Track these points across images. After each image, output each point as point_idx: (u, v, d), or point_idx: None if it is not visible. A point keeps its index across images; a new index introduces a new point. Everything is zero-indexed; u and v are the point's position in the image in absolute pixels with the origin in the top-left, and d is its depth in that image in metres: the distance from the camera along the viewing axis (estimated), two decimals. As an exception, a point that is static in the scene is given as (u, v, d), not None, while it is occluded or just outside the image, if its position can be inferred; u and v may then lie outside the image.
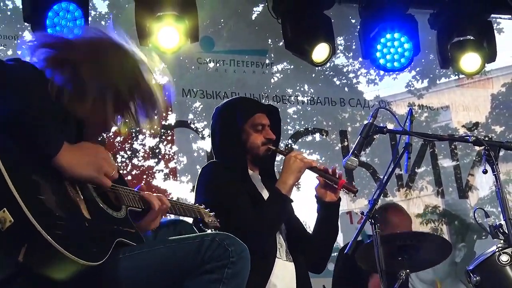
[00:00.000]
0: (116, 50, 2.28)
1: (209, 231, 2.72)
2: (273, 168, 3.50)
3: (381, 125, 3.24)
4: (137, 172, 6.41)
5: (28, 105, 1.91)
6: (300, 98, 7.13)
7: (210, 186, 3.21)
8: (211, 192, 3.17)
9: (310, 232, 3.44)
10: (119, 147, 6.36)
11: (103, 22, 7.17)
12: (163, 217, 2.50)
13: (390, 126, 3.64)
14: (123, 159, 6.35)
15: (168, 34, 5.38)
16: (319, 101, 7.03)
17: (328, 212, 3.32)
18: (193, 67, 6.66)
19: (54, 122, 1.99)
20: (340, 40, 7.78)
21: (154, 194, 2.43)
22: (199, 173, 3.35)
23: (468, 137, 3.15)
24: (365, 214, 3.12)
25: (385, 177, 3.28)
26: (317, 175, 3.26)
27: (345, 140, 7.14)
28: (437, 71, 8.01)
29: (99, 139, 2.34)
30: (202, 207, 2.80)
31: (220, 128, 3.37)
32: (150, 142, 6.49)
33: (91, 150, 2.09)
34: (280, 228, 3.22)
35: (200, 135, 6.75)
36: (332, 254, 5.34)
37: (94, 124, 2.26)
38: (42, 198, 1.86)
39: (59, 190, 1.96)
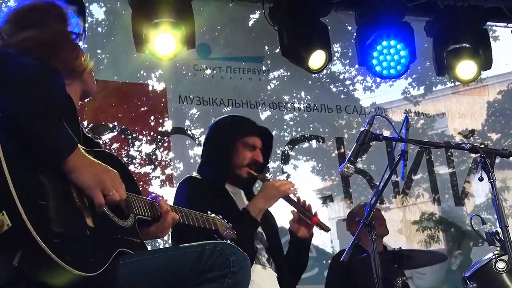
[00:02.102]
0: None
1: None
2: (251, 190, 3.50)
3: (377, 132, 3.24)
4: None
5: (39, 104, 1.88)
6: (296, 105, 7.14)
7: (185, 204, 3.20)
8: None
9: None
10: (115, 154, 6.34)
11: (99, 29, 7.19)
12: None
13: (387, 133, 3.64)
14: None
15: (165, 41, 5.38)
16: (315, 108, 7.04)
17: (298, 247, 3.39)
18: (189, 74, 6.66)
19: (64, 120, 1.98)
20: (336, 47, 7.81)
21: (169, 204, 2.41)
22: (177, 187, 3.36)
23: (464, 145, 3.15)
24: (361, 221, 3.12)
25: (382, 184, 3.28)
26: (292, 209, 3.31)
27: (342, 147, 7.15)
28: (433, 78, 8.04)
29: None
30: (219, 217, 2.77)
31: (212, 140, 3.44)
32: (147, 148, 6.48)
33: (100, 165, 2.04)
34: (250, 243, 3.20)
35: (197, 142, 6.75)
36: (327, 261, 5.35)
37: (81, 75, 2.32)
38: (43, 203, 1.83)
39: (63, 196, 1.94)
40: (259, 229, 3.30)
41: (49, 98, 1.95)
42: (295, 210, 3.31)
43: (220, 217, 2.78)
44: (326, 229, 3.24)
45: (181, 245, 2.17)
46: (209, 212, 2.75)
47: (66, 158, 1.91)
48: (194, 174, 3.41)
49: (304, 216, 3.27)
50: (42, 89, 1.95)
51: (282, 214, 3.48)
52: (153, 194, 2.43)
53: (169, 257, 2.11)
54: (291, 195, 3.29)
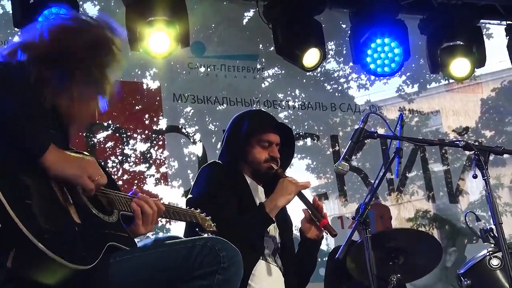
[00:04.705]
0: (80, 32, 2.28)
1: (205, 235, 2.71)
2: (272, 187, 3.41)
3: (372, 129, 3.25)
4: (128, 177, 6.39)
5: (16, 106, 1.90)
6: (291, 103, 7.14)
7: (204, 187, 3.25)
8: (203, 193, 3.20)
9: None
10: (109, 152, 6.34)
11: (93, 27, 7.15)
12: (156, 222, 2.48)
13: (381, 130, 3.65)
14: (114, 164, 6.33)
15: (159, 39, 5.38)
16: (310, 106, 7.05)
17: (308, 248, 3.37)
18: (184, 72, 6.65)
19: (41, 123, 1.99)
20: (330, 45, 7.80)
21: (150, 198, 2.41)
22: (199, 170, 3.39)
23: (458, 142, 3.16)
24: (356, 218, 3.13)
25: (376, 181, 3.28)
26: (304, 208, 3.29)
27: (336, 144, 7.15)
28: (427, 76, 8.04)
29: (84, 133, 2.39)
30: (198, 211, 2.78)
31: (228, 135, 3.43)
32: (141, 147, 6.47)
33: (78, 156, 2.09)
34: (259, 237, 3.21)
35: (191, 140, 6.74)
36: (323, 259, 5.36)
37: (80, 114, 2.28)
38: (30, 202, 1.84)
39: (47, 195, 1.95)
40: (273, 231, 3.30)
41: (27, 103, 1.98)
42: (307, 209, 3.27)
43: (199, 210, 2.79)
44: (332, 234, 3.18)
45: (172, 241, 2.17)
46: (183, 207, 2.78)
47: (41, 156, 1.92)
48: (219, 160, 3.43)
49: (314, 216, 3.23)
50: (23, 92, 1.99)
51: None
52: (133, 190, 2.44)
53: (159, 253, 2.11)
54: (306, 195, 3.29)
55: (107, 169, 2.52)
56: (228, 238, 2.26)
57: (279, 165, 3.36)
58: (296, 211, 3.50)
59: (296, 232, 3.59)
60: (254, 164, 3.33)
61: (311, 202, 3.27)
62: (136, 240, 2.33)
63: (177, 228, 6.21)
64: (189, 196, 3.29)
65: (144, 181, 6.47)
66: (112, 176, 2.49)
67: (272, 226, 3.27)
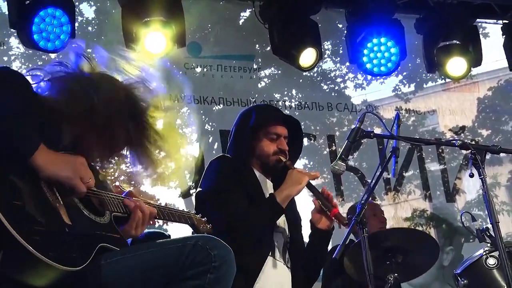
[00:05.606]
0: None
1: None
2: (281, 180, 3.38)
3: (369, 129, 3.25)
4: (125, 178, 6.37)
5: (6, 107, 1.89)
6: (287, 103, 7.14)
7: (212, 181, 3.26)
8: (212, 188, 3.22)
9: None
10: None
11: (90, 28, 7.16)
12: (150, 223, 2.48)
13: (378, 130, 3.65)
14: (111, 165, 6.31)
15: (155, 40, 5.36)
16: (306, 105, 7.05)
17: (318, 239, 3.34)
18: (180, 72, 6.64)
19: (32, 124, 1.97)
20: (327, 45, 7.82)
21: (141, 200, 2.40)
22: (208, 164, 3.39)
23: (454, 141, 3.16)
24: (353, 218, 3.13)
25: (373, 181, 3.29)
26: (314, 198, 3.28)
27: (333, 144, 7.16)
28: (423, 75, 8.06)
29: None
30: (193, 212, 2.77)
31: (235, 129, 3.42)
32: (138, 147, 6.46)
33: (69, 156, 2.07)
34: (269, 230, 3.21)
35: (188, 140, 6.73)
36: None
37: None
38: (18, 203, 1.83)
39: (37, 195, 1.93)
40: (282, 225, 3.29)
41: (19, 103, 1.97)
42: (317, 199, 3.26)
43: (194, 212, 2.79)
44: (343, 223, 3.17)
45: (163, 240, 2.17)
46: (179, 207, 2.77)
47: (31, 156, 1.91)
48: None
49: (324, 206, 3.22)
50: (22, 96, 1.98)
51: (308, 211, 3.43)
52: (127, 191, 2.43)
53: (151, 254, 2.10)
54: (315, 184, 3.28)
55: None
56: (237, 232, 2.24)
57: (288, 158, 3.35)
58: (303, 207, 3.51)
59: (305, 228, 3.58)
60: (262, 157, 3.33)
61: (321, 192, 3.26)
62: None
63: (174, 228, 6.21)
64: (198, 189, 3.30)
65: (141, 182, 6.45)
66: (108, 176, 2.47)
67: (282, 219, 3.27)
